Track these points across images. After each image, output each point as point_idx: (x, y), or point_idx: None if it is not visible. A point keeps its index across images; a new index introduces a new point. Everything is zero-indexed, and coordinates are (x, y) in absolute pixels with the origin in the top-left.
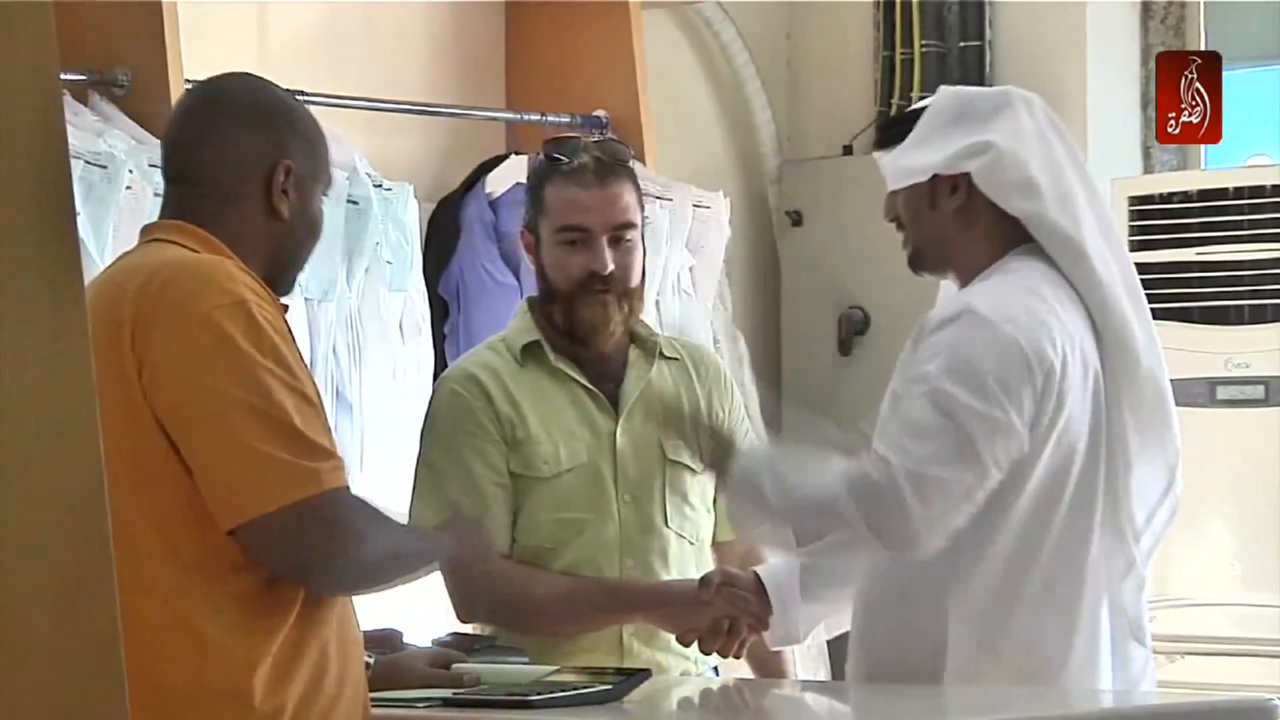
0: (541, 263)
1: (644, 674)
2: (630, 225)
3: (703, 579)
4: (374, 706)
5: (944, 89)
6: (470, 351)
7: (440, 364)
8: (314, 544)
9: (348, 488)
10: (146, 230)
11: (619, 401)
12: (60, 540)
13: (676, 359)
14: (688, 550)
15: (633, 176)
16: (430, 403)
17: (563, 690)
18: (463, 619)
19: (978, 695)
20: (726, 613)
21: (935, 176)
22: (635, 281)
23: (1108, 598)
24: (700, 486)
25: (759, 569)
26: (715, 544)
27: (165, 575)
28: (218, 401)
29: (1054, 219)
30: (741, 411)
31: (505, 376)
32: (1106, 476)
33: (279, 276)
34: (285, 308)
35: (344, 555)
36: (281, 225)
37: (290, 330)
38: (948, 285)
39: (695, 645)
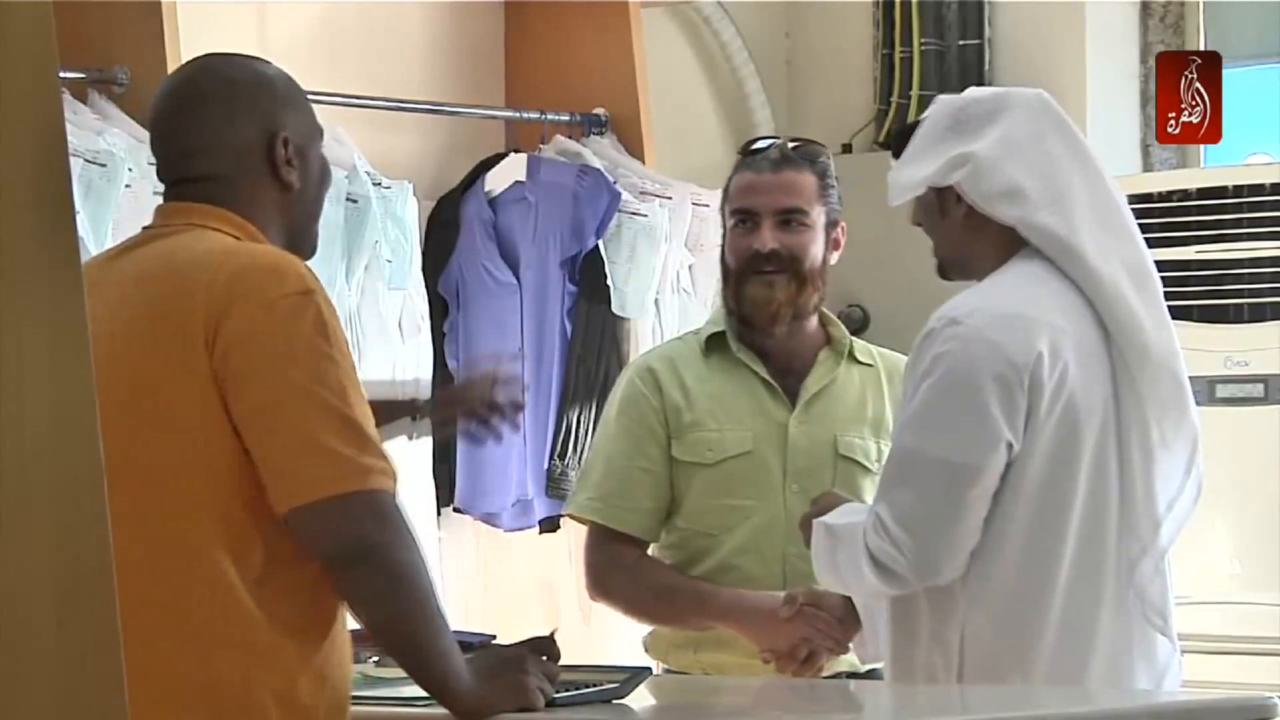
0: (722, 249)
1: (645, 671)
2: (798, 210)
3: (787, 596)
4: (373, 706)
5: (941, 98)
6: (665, 341)
7: (439, 362)
8: (357, 534)
9: (392, 492)
10: (174, 211)
11: (798, 395)
12: (60, 539)
13: (870, 365)
14: None
15: (817, 168)
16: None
17: (576, 689)
18: (590, 596)
19: (965, 695)
20: (805, 635)
21: (943, 186)
22: (807, 265)
23: (1127, 586)
24: (875, 486)
25: None
26: None
27: (226, 574)
28: (282, 388)
29: (1041, 221)
30: None
31: (683, 365)
32: (1121, 467)
33: (303, 237)
34: None
35: (381, 551)
36: (294, 193)
37: None
38: None
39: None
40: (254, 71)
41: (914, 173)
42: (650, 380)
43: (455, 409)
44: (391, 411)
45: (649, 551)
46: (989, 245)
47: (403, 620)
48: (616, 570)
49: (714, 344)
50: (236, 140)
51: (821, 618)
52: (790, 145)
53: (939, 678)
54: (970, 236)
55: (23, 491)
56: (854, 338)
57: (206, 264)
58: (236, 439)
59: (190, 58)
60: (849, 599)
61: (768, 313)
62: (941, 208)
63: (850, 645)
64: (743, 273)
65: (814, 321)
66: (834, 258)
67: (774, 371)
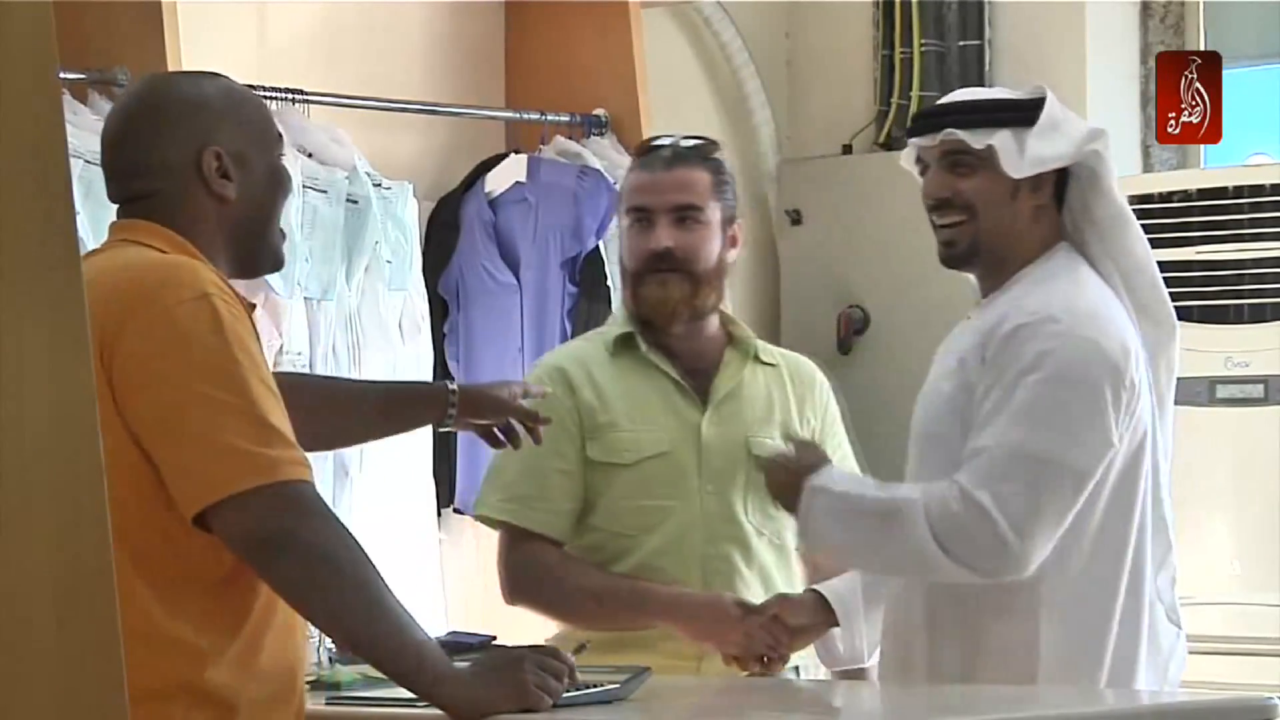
0: (620, 250)
1: (646, 671)
2: (693, 207)
3: (755, 607)
4: (373, 706)
5: (1044, 87)
6: (568, 342)
7: (440, 363)
8: (271, 524)
9: (309, 482)
10: (115, 228)
11: (709, 395)
12: (61, 539)
13: (773, 365)
14: (768, 549)
15: (711, 165)
16: None
17: (577, 689)
18: (507, 600)
19: (962, 695)
20: (752, 635)
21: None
22: (704, 264)
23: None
24: None
25: (821, 586)
26: (799, 549)
27: (126, 574)
28: (180, 394)
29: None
30: (837, 425)
31: (593, 366)
32: (1154, 466)
33: (255, 247)
34: (252, 307)
35: (299, 537)
36: (234, 206)
37: (255, 329)
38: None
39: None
40: (186, 89)
41: (1052, 148)
42: (562, 380)
43: (480, 415)
44: (418, 414)
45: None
46: (1038, 236)
47: (337, 605)
48: (540, 572)
49: (621, 345)
50: (167, 158)
51: (784, 628)
52: (684, 143)
53: (1009, 679)
54: (1026, 224)
55: (23, 491)
56: (755, 338)
57: (110, 279)
58: (133, 448)
59: (191, 59)
60: (822, 597)
61: (664, 313)
62: (1015, 191)
63: (814, 648)
64: (639, 273)
65: (715, 321)
66: (732, 255)
67: (682, 372)
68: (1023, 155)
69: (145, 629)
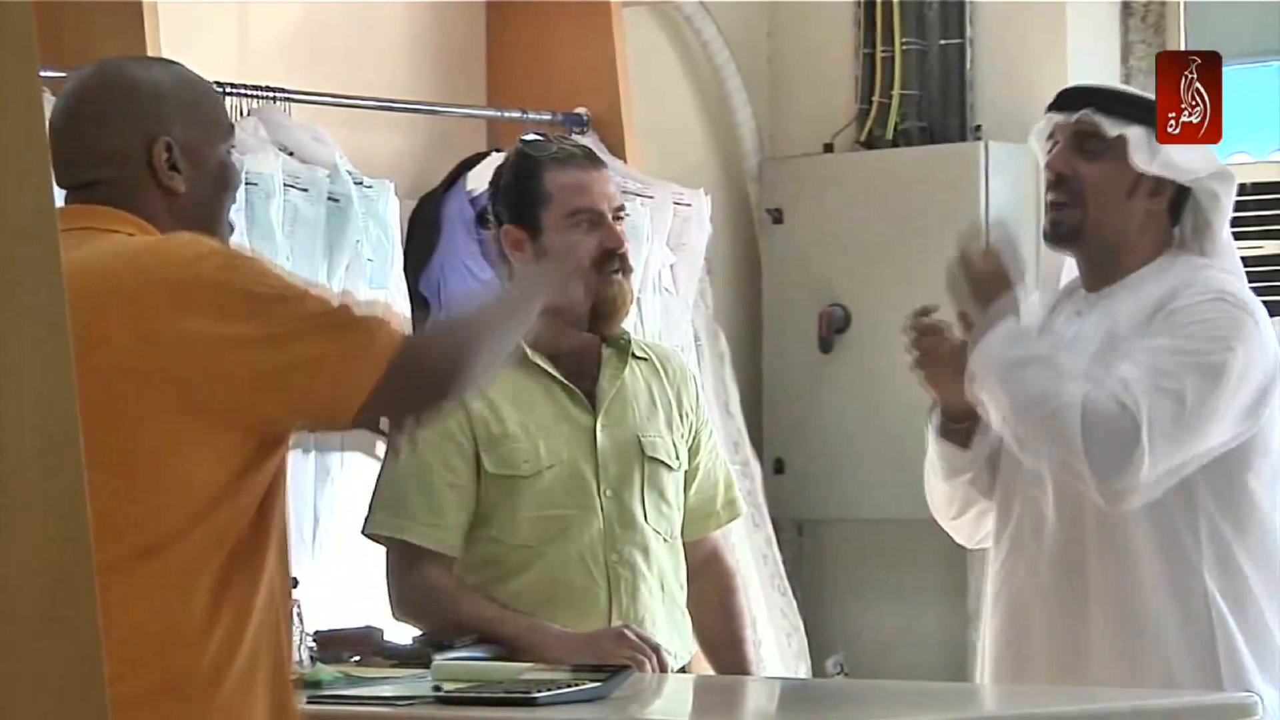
0: (545, 252)
1: (629, 670)
2: (624, 206)
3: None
4: (354, 705)
5: None
6: None
7: None
8: (431, 371)
9: (404, 334)
10: (73, 214)
11: (595, 398)
12: (43, 543)
13: (645, 359)
14: (663, 547)
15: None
16: None
17: (559, 688)
18: (395, 617)
19: (956, 693)
20: (625, 657)
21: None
22: (630, 261)
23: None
24: (675, 483)
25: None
26: (684, 542)
27: (142, 570)
28: (271, 331)
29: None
30: (706, 415)
31: None
32: None
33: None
34: None
35: (459, 365)
36: (182, 198)
37: None
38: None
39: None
40: (138, 76)
41: (1183, 157)
42: None
43: None
44: None
45: (455, 569)
46: (1148, 240)
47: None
48: (433, 596)
49: None
50: (116, 146)
51: (647, 643)
52: (562, 138)
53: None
54: (1136, 225)
55: (23, 492)
56: (627, 332)
57: (112, 267)
58: (155, 433)
59: (172, 58)
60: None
61: (624, 312)
62: (1132, 189)
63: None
64: (592, 274)
65: None
66: None
67: (566, 375)
68: (1154, 153)
69: (178, 624)
